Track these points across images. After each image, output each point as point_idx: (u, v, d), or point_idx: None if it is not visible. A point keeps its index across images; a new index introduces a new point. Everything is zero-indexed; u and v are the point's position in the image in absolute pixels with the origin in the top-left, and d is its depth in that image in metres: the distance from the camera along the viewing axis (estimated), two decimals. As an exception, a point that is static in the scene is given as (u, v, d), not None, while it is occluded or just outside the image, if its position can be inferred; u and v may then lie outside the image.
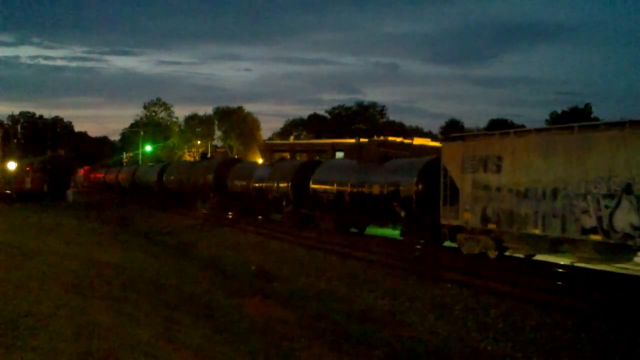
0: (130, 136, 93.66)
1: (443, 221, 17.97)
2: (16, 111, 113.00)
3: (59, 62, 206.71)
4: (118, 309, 9.69)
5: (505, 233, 15.92)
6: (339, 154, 62.99)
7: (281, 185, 28.13)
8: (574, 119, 50.61)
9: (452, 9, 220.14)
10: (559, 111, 72.16)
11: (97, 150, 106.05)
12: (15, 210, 33.85)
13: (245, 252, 22.22)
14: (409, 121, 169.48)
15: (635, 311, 11.27)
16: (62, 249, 16.89)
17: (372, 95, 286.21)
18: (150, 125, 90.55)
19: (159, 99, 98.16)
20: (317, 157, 55.93)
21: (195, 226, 31.09)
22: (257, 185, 30.53)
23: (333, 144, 71.70)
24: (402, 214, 20.44)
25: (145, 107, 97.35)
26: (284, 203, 28.45)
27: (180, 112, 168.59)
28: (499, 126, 62.01)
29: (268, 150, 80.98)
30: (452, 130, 74.42)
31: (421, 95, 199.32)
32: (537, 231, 14.77)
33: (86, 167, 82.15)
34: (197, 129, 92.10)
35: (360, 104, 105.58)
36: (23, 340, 6.97)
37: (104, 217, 38.25)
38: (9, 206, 38.10)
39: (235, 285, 15.40)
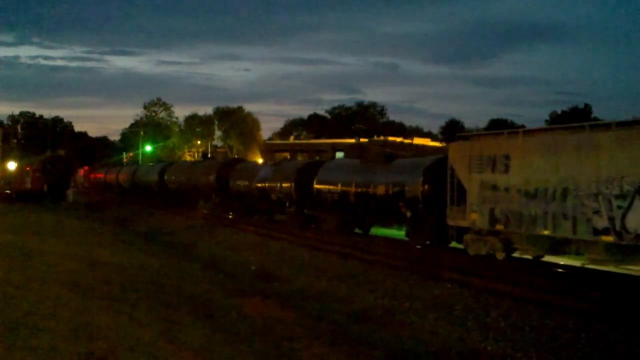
0: (130, 136, 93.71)
1: (450, 222, 17.73)
2: (16, 111, 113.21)
3: (59, 62, 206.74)
4: (118, 309, 9.69)
5: (514, 234, 15.67)
6: (339, 154, 62.99)
7: (284, 185, 27.96)
8: (574, 119, 50.63)
9: (452, 9, 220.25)
10: (559, 111, 72.19)
11: (97, 150, 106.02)
12: (15, 211, 33.85)
13: (245, 252, 22.22)
14: (409, 121, 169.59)
15: (635, 311, 11.26)
16: (62, 249, 16.89)
17: (372, 95, 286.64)
18: (150, 125, 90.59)
19: (159, 99, 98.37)
20: (317, 157, 55.94)
21: (196, 226, 31.09)
22: (259, 185, 30.35)
23: (333, 144, 71.70)
24: (408, 214, 20.25)
25: (145, 107, 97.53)
26: (287, 203, 28.29)
27: (180, 112, 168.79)
28: (499, 126, 62.03)
29: (268, 150, 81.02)
30: (452, 130, 74.41)
31: (421, 95, 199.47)
32: (546, 232, 14.51)
33: (86, 167, 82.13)
34: (197, 129, 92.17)
35: (360, 104, 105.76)
36: (23, 340, 6.97)
37: (104, 217, 38.28)
38: (9, 206, 38.09)
39: (236, 285, 15.41)
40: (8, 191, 45.66)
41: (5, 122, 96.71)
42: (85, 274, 12.80)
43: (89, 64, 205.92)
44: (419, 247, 20.05)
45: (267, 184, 29.59)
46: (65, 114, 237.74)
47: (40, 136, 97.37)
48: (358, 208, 23.34)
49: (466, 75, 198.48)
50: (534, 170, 14.95)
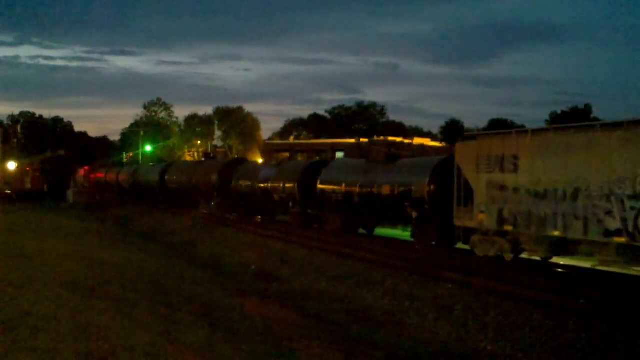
0: (130, 136, 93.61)
1: (457, 222, 17.54)
2: (16, 111, 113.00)
3: (59, 62, 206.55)
4: (118, 309, 9.69)
5: (523, 235, 15.48)
6: (339, 154, 62.99)
7: (287, 185, 27.79)
8: (574, 119, 50.63)
9: (452, 9, 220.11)
10: (559, 111, 72.15)
11: (97, 150, 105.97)
12: (15, 211, 33.84)
13: (245, 252, 22.22)
14: (409, 121, 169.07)
15: (635, 311, 11.26)
16: (62, 249, 16.89)
17: (372, 95, 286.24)
18: (150, 125, 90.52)
19: (159, 99, 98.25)
20: (317, 157, 55.93)
21: (196, 226, 31.10)
22: (262, 185, 30.14)
23: (333, 144, 71.67)
24: (414, 214, 20.06)
25: (145, 107, 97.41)
26: (290, 204, 28.11)
27: (180, 112, 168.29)
28: (499, 126, 62.00)
29: (268, 150, 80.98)
30: (452, 130, 74.40)
31: (421, 95, 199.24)
32: (556, 233, 14.31)
33: (86, 167, 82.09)
34: (197, 129, 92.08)
35: (360, 104, 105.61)
36: (23, 340, 6.97)
37: (104, 217, 38.27)
38: (9, 206, 38.09)
39: (236, 285, 15.41)
40: (8, 191, 45.64)
41: (5, 122, 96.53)
42: (85, 274, 12.80)
43: (89, 64, 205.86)
44: (417, 247, 20.05)
45: (269, 184, 29.40)
46: (65, 114, 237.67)
47: (40, 136, 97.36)
48: (362, 208, 23.17)
49: (466, 75, 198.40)
50: (543, 170, 14.75)
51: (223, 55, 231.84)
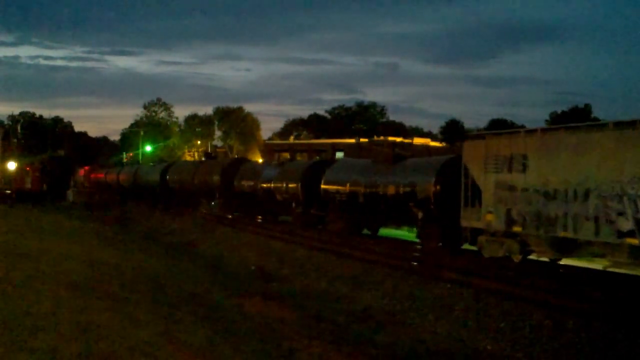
0: (130, 136, 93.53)
1: (464, 223, 17.18)
2: (16, 111, 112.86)
3: (59, 62, 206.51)
4: (118, 309, 9.69)
5: (532, 236, 15.12)
6: (339, 154, 63.00)
7: (290, 185, 27.50)
8: (574, 119, 50.57)
9: (452, 9, 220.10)
10: (559, 111, 72.09)
11: (97, 150, 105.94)
12: (15, 210, 33.86)
13: (245, 252, 22.23)
14: (409, 121, 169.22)
15: (635, 311, 11.25)
16: (62, 249, 16.88)
17: (372, 95, 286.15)
18: (150, 125, 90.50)
19: (159, 99, 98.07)
20: (317, 157, 55.92)
21: (196, 226, 31.10)
22: (265, 185, 29.85)
23: (333, 144, 71.67)
24: (419, 215, 19.76)
25: (145, 107, 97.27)
26: (293, 204, 27.86)
27: (180, 112, 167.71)
28: (499, 126, 61.91)
29: (268, 150, 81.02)
30: (452, 130, 74.40)
31: (421, 95, 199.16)
32: (567, 234, 13.94)
33: (86, 167, 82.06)
34: (197, 129, 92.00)
35: (360, 104, 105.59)
36: (23, 340, 6.97)
37: (104, 217, 38.29)
38: (9, 206, 38.11)
39: (236, 285, 15.42)
40: (8, 191, 45.67)
41: (5, 122, 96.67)
42: (85, 273, 12.80)
43: (89, 64, 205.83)
44: (419, 246, 20.02)
45: (272, 185, 29.10)
46: (65, 114, 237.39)
47: (40, 136, 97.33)
48: (367, 209, 22.90)
49: (466, 75, 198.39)
50: (553, 170, 14.42)
51: (223, 55, 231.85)
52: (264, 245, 22.96)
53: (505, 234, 15.90)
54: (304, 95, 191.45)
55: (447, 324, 11.95)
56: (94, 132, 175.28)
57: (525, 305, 12.22)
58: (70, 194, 51.92)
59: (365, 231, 24.33)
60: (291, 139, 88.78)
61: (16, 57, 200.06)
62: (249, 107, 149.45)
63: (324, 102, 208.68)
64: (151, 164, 59.31)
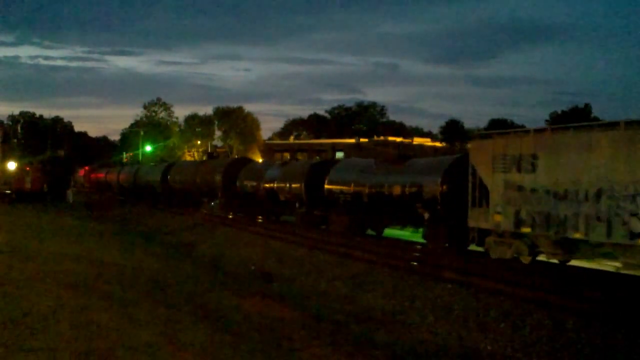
0: (130, 136, 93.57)
1: (471, 224, 16.95)
2: (16, 111, 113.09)
3: (59, 62, 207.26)
4: (118, 309, 9.69)
5: (541, 237, 14.90)
6: (339, 154, 63.03)
7: (294, 185, 27.22)
8: (574, 119, 50.54)
9: (452, 9, 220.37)
10: (559, 111, 72.07)
11: (97, 150, 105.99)
12: (15, 211, 33.85)
13: (245, 252, 22.22)
14: (409, 121, 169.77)
15: (635, 311, 11.25)
16: (62, 249, 16.89)
17: (372, 95, 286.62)
18: (150, 125, 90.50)
19: (159, 99, 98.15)
20: (317, 157, 55.93)
21: (196, 226, 31.08)
22: (267, 185, 29.58)
23: (333, 144, 71.74)
24: (426, 215, 19.56)
25: (145, 107, 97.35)
26: (296, 204, 27.64)
27: (180, 112, 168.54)
28: (499, 126, 61.91)
29: (268, 150, 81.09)
30: (452, 130, 74.39)
31: (421, 95, 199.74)
32: (578, 235, 13.69)
33: (86, 167, 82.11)
34: (197, 129, 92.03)
35: (360, 104, 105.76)
36: (23, 340, 6.97)
37: (104, 217, 38.29)
38: (9, 206, 38.10)
39: (235, 285, 15.41)
40: (8, 191, 45.65)
41: (5, 122, 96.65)
42: (85, 273, 12.80)
43: (89, 64, 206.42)
44: (419, 246, 20.00)
45: (275, 185, 28.86)
46: (65, 114, 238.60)
47: (40, 136, 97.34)
48: (371, 209, 22.71)
49: (466, 75, 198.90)
50: (563, 170, 14.15)
51: (223, 55, 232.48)
52: (264, 245, 22.94)
53: (513, 234, 15.66)
54: (304, 95, 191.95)
55: (447, 324, 11.94)
56: (94, 132, 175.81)
57: (525, 305, 12.22)
58: (70, 194, 51.86)
59: (370, 232, 24.14)
60: (291, 139, 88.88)
61: (16, 57, 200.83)
62: (249, 107, 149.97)
63: (324, 102, 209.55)
64: (151, 164, 59.29)
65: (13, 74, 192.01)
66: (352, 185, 23.27)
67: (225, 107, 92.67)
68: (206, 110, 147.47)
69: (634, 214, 12.57)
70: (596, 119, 54.66)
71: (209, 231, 28.72)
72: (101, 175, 70.28)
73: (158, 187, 45.46)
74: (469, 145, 17.78)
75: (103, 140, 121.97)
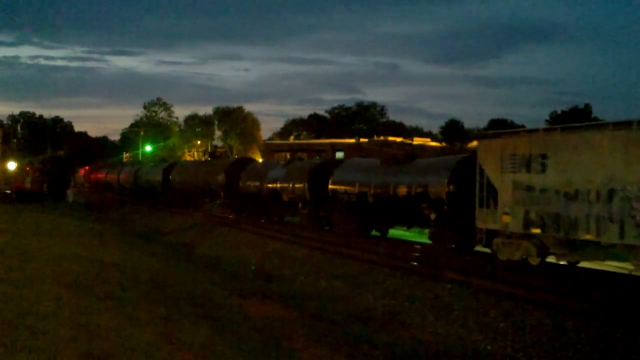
0: (130, 136, 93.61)
1: (479, 224, 16.67)
2: (16, 111, 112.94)
3: (59, 62, 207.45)
4: (118, 309, 9.69)
5: (551, 238, 14.59)
6: (339, 154, 63.02)
7: (297, 186, 26.98)
8: (574, 119, 50.49)
9: (452, 9, 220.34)
10: (559, 111, 72.04)
11: (97, 150, 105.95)
12: (15, 211, 33.83)
13: (245, 252, 22.22)
14: (409, 121, 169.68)
15: (635, 311, 11.25)
16: (62, 249, 16.88)
17: (372, 95, 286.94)
18: (150, 125, 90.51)
19: (159, 99, 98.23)
20: (317, 157, 55.90)
21: (196, 226, 31.08)
22: (271, 186, 29.36)
23: (333, 144, 71.75)
24: (432, 216, 19.30)
25: (145, 107, 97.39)
26: (300, 205, 27.40)
27: (181, 112, 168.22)
28: (499, 126, 61.85)
29: (268, 150, 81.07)
30: (452, 130, 74.29)
31: (421, 95, 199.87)
32: (589, 236, 13.41)
33: (86, 167, 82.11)
34: (197, 129, 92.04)
35: (360, 104, 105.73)
36: (23, 340, 6.97)
37: (104, 217, 38.29)
38: (9, 206, 38.10)
39: (235, 285, 15.41)
40: (8, 191, 45.67)
41: (5, 122, 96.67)
42: (85, 273, 12.79)
43: (89, 64, 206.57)
44: (418, 246, 19.98)
45: (278, 185, 28.63)
46: (65, 114, 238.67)
47: (40, 136, 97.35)
48: (376, 209, 22.47)
49: (466, 75, 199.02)
50: (574, 170, 13.89)
51: (223, 55, 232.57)
52: (264, 245, 22.94)
53: (522, 236, 15.40)
54: (304, 95, 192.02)
55: (447, 324, 11.94)
56: (94, 132, 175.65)
57: (525, 305, 12.22)
58: (70, 194, 51.86)
59: (374, 232, 23.93)
60: (291, 139, 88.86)
61: (16, 57, 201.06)
62: (249, 107, 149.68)
63: (324, 102, 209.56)
64: (152, 163, 59.23)
65: (13, 74, 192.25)
66: (357, 185, 23.04)
67: (225, 107, 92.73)
68: (206, 110, 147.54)
69: None
70: (596, 119, 54.60)
71: (209, 231, 28.72)
72: (101, 175, 70.28)
73: (159, 187, 45.28)
74: (476, 145, 17.49)
75: (103, 140, 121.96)
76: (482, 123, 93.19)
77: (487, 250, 17.02)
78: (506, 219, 15.66)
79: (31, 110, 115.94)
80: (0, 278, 10.70)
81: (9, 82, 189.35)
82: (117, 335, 7.86)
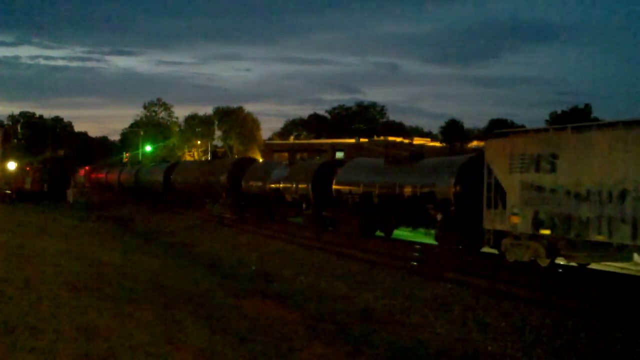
0: (130, 136, 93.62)
1: (487, 225, 16.45)
2: (16, 111, 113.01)
3: (59, 62, 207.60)
4: (118, 309, 9.69)
5: (561, 239, 14.41)
6: (339, 154, 63.08)
7: (300, 186, 26.76)
8: (574, 119, 50.53)
9: (452, 9, 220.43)
10: (559, 111, 72.07)
11: (97, 150, 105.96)
12: (15, 210, 33.83)
13: (245, 252, 22.21)
14: (409, 121, 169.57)
15: (635, 311, 11.25)
16: (62, 249, 16.88)
17: (372, 95, 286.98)
18: (150, 125, 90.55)
19: (159, 99, 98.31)
20: (318, 157, 55.93)
21: (196, 226, 31.07)
22: (273, 186, 29.13)
23: (333, 144, 71.82)
24: (438, 217, 19.15)
25: (145, 107, 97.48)
26: (303, 205, 27.21)
27: (180, 112, 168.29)
28: (499, 126, 61.88)
29: (268, 150, 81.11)
30: (452, 130, 74.33)
31: (421, 95, 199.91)
32: (601, 237, 13.22)
33: (87, 167, 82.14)
34: (197, 129, 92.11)
35: (360, 104, 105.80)
36: (23, 340, 6.97)
37: (104, 218, 38.26)
38: (9, 206, 38.09)
39: (235, 285, 15.40)
40: (8, 191, 45.65)
41: (6, 122, 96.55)
42: (85, 274, 12.80)
43: (89, 64, 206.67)
44: (418, 246, 19.97)
45: (281, 185, 28.46)
46: (65, 114, 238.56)
47: (40, 136, 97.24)
48: (381, 210, 22.32)
49: (466, 75, 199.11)
50: (585, 169, 13.68)
51: (223, 55, 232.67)
52: (264, 245, 22.94)
53: (531, 236, 15.21)
54: (304, 95, 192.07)
55: (447, 324, 11.94)
56: (94, 132, 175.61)
57: (525, 305, 12.22)
58: (70, 194, 51.81)
59: (379, 233, 23.77)
60: (291, 139, 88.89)
61: (16, 57, 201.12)
62: (249, 107, 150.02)
63: (324, 102, 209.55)
64: (152, 163, 59.18)
65: (13, 74, 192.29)
66: (362, 185, 22.85)
67: (225, 107, 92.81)
68: (206, 110, 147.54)
69: None
70: (596, 119, 54.63)
71: (209, 231, 28.72)
72: (102, 175, 70.28)
73: (160, 187, 45.11)
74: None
75: (103, 140, 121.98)
76: (482, 123, 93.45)
77: (495, 251, 16.87)
78: (515, 219, 15.45)
79: (31, 110, 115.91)
80: (0, 278, 10.70)
81: (9, 82, 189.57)
82: (117, 335, 7.86)
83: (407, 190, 20.38)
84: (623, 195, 12.77)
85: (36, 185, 48.49)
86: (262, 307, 12.54)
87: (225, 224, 30.71)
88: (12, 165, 50.02)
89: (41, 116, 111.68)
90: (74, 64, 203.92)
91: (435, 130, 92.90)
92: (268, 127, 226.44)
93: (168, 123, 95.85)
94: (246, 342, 9.36)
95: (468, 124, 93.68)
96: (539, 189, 14.77)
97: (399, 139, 70.50)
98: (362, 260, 18.32)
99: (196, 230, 29.83)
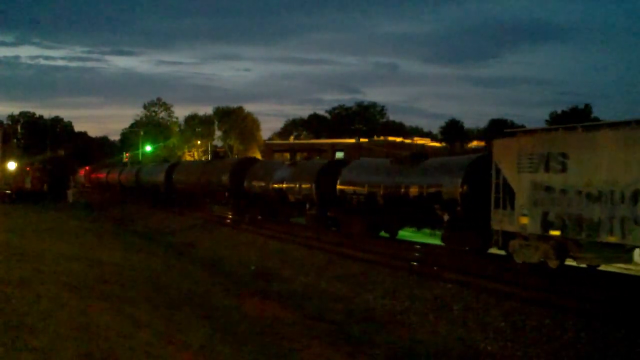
0: (130, 136, 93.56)
1: (495, 226, 16.16)
2: (16, 111, 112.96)
3: (59, 62, 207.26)
4: (118, 309, 9.69)
5: (571, 240, 14.13)
6: (339, 154, 63.07)
7: (304, 186, 26.56)
8: (574, 119, 50.51)
9: (452, 9, 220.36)
10: (559, 111, 72.08)
11: (97, 150, 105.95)
12: (15, 210, 33.84)
13: (245, 252, 22.22)
14: (409, 121, 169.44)
15: (635, 311, 11.25)
16: (62, 249, 16.89)
17: (372, 95, 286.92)
18: (150, 125, 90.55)
19: (159, 99, 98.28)
20: (318, 157, 55.92)
21: (196, 226, 31.07)
22: (276, 186, 28.90)
23: (333, 144, 71.79)
24: (445, 217, 18.92)
25: (145, 107, 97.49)
26: (307, 205, 27.07)
27: (180, 112, 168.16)
28: (499, 126, 61.89)
29: (268, 150, 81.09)
30: (452, 130, 74.32)
31: (421, 95, 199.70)
32: (613, 239, 12.96)
33: (87, 167, 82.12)
34: (197, 129, 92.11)
35: (360, 104, 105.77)
36: (23, 340, 6.97)
37: (104, 218, 38.29)
38: (9, 206, 38.11)
39: (235, 285, 15.41)
40: (8, 191, 45.68)
41: (5, 122, 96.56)
42: (85, 273, 12.80)
43: (89, 64, 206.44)
44: (418, 246, 19.95)
45: (284, 185, 28.23)
46: (65, 114, 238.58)
47: (40, 136, 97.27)
48: (386, 210, 22.09)
49: (466, 75, 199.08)
50: (597, 169, 13.37)
51: (223, 55, 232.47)
52: (264, 245, 22.94)
53: (540, 237, 14.88)
54: (304, 95, 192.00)
55: (447, 324, 11.94)
56: (94, 132, 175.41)
57: (525, 305, 12.21)
58: (70, 194, 51.85)
59: (383, 233, 23.65)
60: (291, 139, 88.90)
61: (16, 57, 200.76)
62: (249, 107, 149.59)
63: (324, 102, 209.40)
64: (153, 163, 59.13)
65: (13, 74, 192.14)
66: (366, 185, 22.65)
67: (225, 107, 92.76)
68: (206, 110, 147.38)
69: None
70: (596, 119, 54.62)
71: (209, 231, 28.71)
72: (102, 175, 70.23)
73: (161, 187, 44.90)
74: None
75: (103, 140, 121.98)
76: (482, 123, 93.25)
77: (503, 252, 16.70)
78: (523, 220, 15.20)
79: (31, 110, 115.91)
80: (0, 278, 10.70)
81: (9, 82, 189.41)
82: (117, 335, 7.86)
83: (413, 190, 20.14)
84: (636, 195, 12.54)
85: (36, 185, 48.58)
86: (262, 307, 12.55)
87: (225, 224, 30.68)
88: (12, 165, 50.06)
89: (41, 116, 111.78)
90: (74, 64, 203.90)
91: (435, 130, 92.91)
92: (268, 127, 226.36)
93: (168, 123, 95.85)
94: (246, 342, 9.36)
95: (468, 124, 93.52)
96: (549, 189, 14.51)
97: (399, 139, 70.51)
98: (362, 260, 18.31)
99: (197, 230, 29.83)
